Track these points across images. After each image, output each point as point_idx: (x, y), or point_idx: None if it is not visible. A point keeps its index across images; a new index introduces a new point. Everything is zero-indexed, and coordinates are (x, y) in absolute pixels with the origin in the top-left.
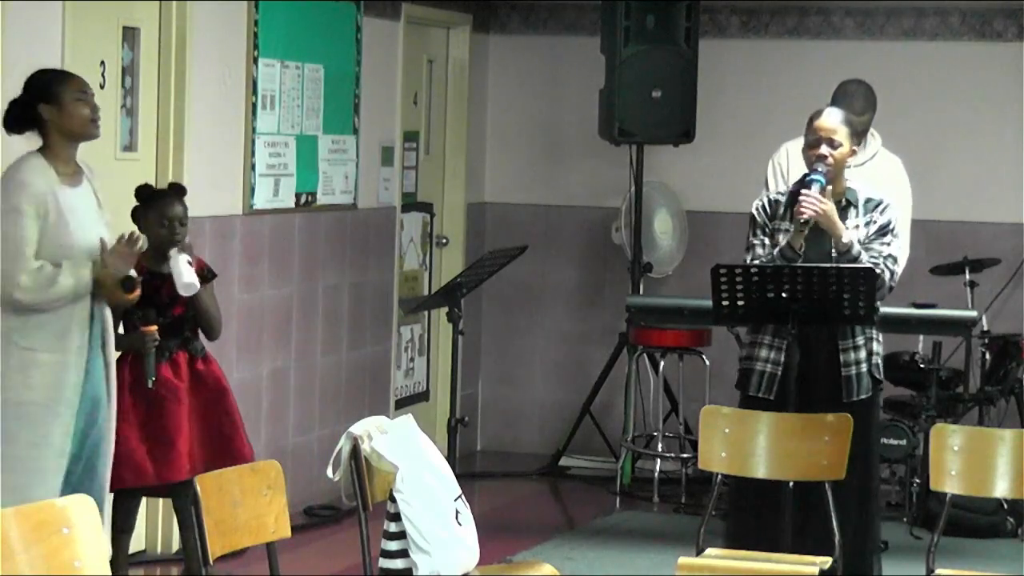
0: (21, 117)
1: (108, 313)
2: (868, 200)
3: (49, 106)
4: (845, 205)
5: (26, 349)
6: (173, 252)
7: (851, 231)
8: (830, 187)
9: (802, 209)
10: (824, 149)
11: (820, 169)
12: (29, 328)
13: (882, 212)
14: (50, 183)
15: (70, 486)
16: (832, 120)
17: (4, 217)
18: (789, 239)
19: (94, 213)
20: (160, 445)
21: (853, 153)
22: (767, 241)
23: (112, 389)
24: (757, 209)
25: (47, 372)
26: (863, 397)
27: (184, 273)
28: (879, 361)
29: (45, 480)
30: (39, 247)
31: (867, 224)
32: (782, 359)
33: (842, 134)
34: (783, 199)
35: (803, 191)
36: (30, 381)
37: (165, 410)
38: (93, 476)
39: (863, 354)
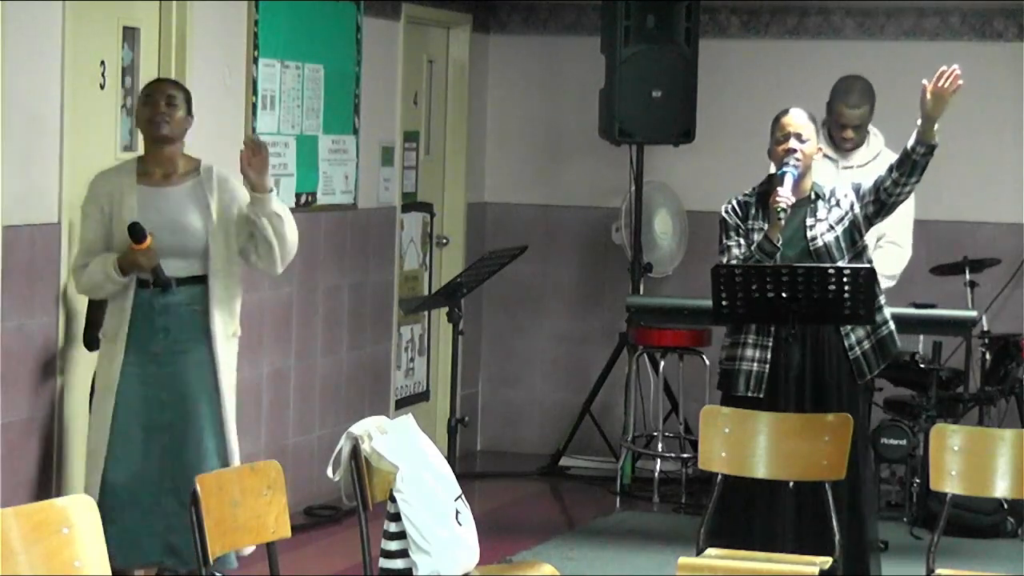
0: None
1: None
2: (832, 191)
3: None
4: (814, 199)
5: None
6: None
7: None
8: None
9: (778, 199)
10: (793, 143)
11: (791, 163)
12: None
13: (844, 192)
14: (121, 185)
15: None
16: (799, 118)
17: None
18: (767, 232)
19: (183, 209)
20: None
21: (819, 150)
22: (742, 241)
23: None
24: (727, 212)
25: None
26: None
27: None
28: (884, 335)
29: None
30: (109, 242)
31: (837, 205)
32: (768, 357)
33: (809, 131)
34: (752, 200)
35: (778, 188)
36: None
37: None
38: None
39: (860, 334)
